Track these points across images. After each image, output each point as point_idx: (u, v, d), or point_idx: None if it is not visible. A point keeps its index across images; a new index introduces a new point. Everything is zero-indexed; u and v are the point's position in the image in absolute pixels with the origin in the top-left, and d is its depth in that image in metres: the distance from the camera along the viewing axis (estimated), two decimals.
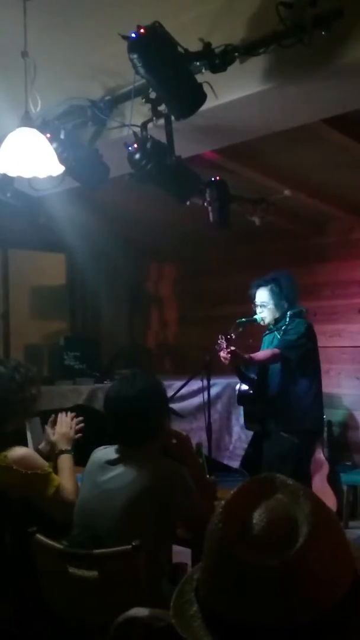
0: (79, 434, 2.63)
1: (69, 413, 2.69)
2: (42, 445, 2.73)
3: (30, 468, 2.34)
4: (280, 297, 3.81)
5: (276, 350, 3.71)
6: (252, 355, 3.72)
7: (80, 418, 2.70)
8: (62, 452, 2.53)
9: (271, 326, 3.89)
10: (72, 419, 2.66)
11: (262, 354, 3.80)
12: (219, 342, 3.57)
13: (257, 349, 4.01)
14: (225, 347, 3.54)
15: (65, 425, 2.62)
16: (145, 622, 1.16)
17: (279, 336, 3.80)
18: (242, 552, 0.91)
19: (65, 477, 2.42)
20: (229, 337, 3.56)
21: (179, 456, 2.33)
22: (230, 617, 0.91)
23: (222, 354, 3.57)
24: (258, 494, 0.98)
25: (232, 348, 3.53)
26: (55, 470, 2.45)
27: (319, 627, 0.89)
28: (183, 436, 2.40)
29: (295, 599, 0.89)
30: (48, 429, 2.69)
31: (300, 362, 3.73)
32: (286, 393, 3.78)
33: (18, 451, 2.39)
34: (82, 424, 2.67)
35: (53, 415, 2.70)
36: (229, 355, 3.54)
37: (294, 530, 0.91)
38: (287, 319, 3.79)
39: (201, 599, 0.97)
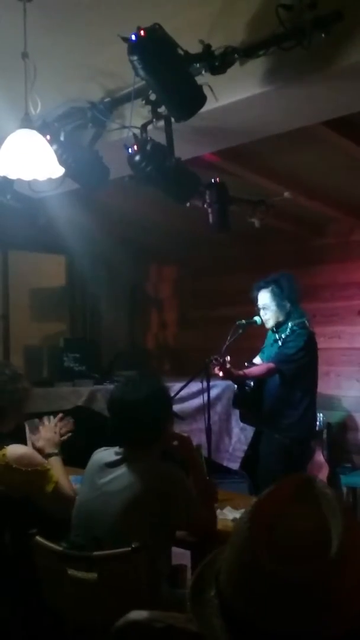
0: (64, 437, 2.67)
1: (52, 418, 2.73)
2: None
3: (30, 465, 2.36)
4: (282, 298, 3.82)
5: (271, 365, 3.73)
6: (246, 371, 3.75)
7: (68, 421, 2.74)
8: (50, 455, 2.56)
9: (274, 328, 3.88)
10: (55, 424, 2.70)
11: (257, 369, 3.81)
12: (213, 362, 3.59)
13: (258, 350, 4.02)
14: (218, 366, 3.56)
15: (49, 430, 2.67)
16: (145, 624, 1.15)
17: (279, 344, 3.80)
18: (265, 559, 0.88)
19: (59, 475, 2.44)
20: (221, 360, 3.55)
21: (180, 458, 2.33)
22: (247, 619, 0.90)
23: (216, 370, 3.60)
24: (292, 497, 0.95)
25: (228, 366, 3.55)
26: None
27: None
28: (185, 438, 2.40)
29: (320, 612, 0.87)
30: (32, 435, 2.71)
31: (295, 376, 3.73)
32: (278, 402, 3.79)
33: (16, 449, 2.39)
34: (68, 427, 2.71)
35: (37, 420, 2.73)
36: (222, 372, 3.57)
37: (324, 543, 0.89)
38: (289, 330, 3.77)
39: (221, 592, 0.95)
